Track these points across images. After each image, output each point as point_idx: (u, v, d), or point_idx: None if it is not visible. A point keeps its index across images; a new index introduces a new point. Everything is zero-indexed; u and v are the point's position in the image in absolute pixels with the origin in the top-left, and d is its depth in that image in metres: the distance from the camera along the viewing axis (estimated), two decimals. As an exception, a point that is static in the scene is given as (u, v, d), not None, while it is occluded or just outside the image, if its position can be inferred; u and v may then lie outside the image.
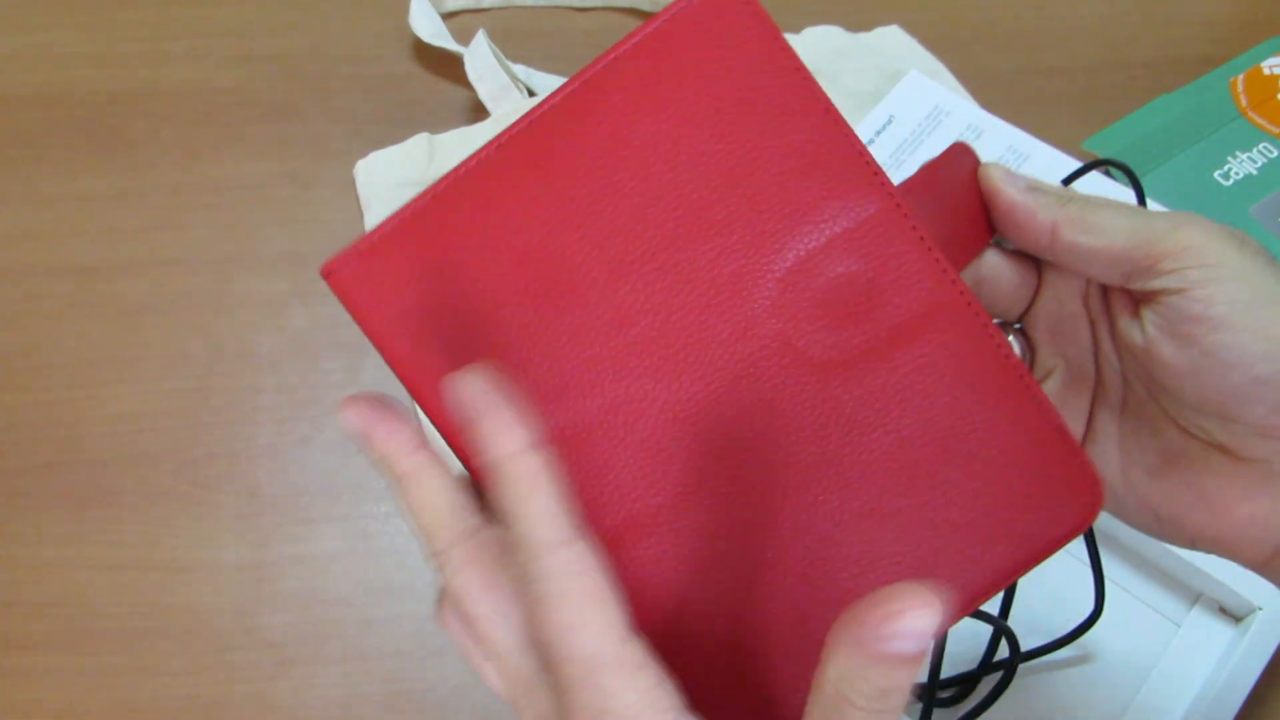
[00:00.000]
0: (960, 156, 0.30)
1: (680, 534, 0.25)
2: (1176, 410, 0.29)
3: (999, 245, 0.31)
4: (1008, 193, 0.29)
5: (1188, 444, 0.29)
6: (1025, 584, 0.43)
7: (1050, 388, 0.32)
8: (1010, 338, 0.32)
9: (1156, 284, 0.27)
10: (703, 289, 0.27)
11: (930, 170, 0.30)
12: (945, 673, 0.40)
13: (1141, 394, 0.30)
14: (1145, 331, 0.28)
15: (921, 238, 0.28)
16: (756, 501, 0.27)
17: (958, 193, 0.30)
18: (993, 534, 0.27)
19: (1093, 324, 0.31)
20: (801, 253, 0.28)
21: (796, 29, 0.60)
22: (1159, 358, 0.28)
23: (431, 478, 0.25)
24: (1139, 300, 0.29)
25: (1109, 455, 0.31)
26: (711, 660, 0.26)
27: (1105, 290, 0.30)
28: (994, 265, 0.31)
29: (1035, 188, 0.29)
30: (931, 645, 0.21)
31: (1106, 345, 0.31)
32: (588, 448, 0.27)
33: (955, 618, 0.28)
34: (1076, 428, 0.31)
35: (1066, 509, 0.27)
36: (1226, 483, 0.28)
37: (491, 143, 0.28)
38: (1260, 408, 0.27)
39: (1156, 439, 0.30)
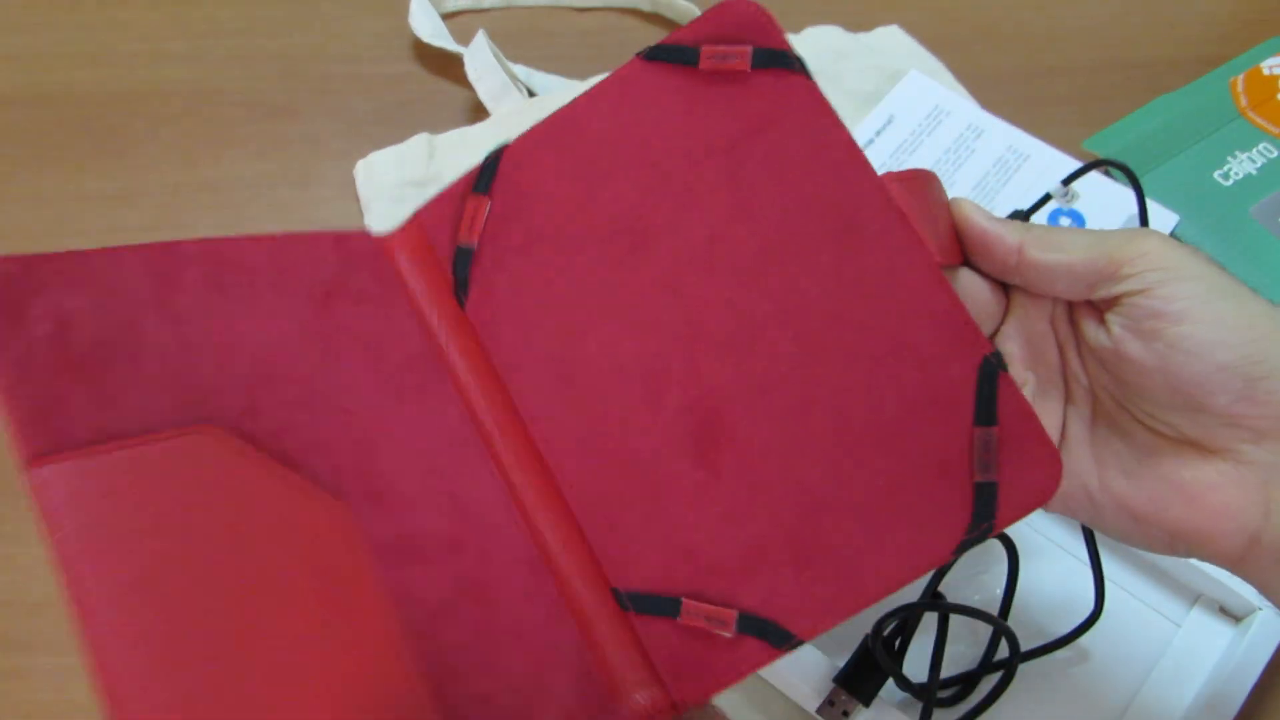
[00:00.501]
0: (934, 181, 0.32)
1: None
2: (1145, 412, 0.30)
3: (971, 266, 0.33)
4: (978, 219, 0.32)
5: (1159, 443, 0.30)
6: (1025, 584, 0.43)
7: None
8: None
9: (1119, 288, 0.29)
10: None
11: (911, 175, 0.32)
12: (945, 672, 0.40)
13: (1110, 405, 0.32)
14: (1112, 333, 0.30)
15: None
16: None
17: (934, 207, 0.32)
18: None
19: (1060, 345, 0.33)
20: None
21: (797, 29, 0.60)
22: (1127, 356, 0.30)
23: None
24: (1103, 308, 0.31)
25: (1083, 461, 0.32)
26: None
27: (1070, 310, 0.32)
28: (969, 283, 0.33)
29: (999, 219, 0.32)
30: None
31: (1074, 363, 0.33)
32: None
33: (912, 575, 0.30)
34: (1051, 435, 0.32)
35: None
36: (1200, 474, 0.29)
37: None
38: (1224, 396, 0.28)
39: (1128, 442, 0.31)
